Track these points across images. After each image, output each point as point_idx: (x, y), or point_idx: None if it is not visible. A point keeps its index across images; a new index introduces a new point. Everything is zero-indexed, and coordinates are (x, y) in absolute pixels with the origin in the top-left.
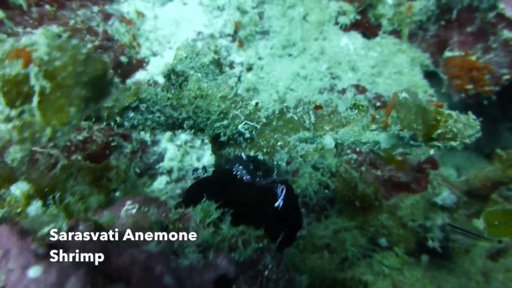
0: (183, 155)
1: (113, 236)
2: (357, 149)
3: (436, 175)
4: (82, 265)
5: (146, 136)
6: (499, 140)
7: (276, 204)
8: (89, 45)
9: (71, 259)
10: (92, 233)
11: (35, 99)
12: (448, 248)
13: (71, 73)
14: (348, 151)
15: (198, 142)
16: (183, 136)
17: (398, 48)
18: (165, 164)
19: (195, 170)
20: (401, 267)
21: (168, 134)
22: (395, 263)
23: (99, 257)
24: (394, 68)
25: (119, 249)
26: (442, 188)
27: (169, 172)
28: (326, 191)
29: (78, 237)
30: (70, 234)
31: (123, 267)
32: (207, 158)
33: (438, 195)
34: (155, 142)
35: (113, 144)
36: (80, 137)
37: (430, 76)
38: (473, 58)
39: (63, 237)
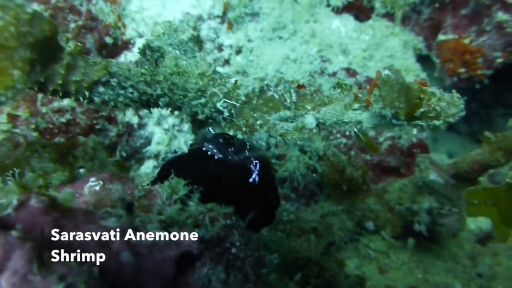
0: (171, 139)
1: (69, 211)
2: (346, 133)
3: (424, 158)
4: (29, 239)
5: (133, 119)
6: (492, 126)
7: (251, 179)
8: (72, 25)
9: (17, 233)
10: (44, 208)
11: None
12: (435, 232)
13: (14, 33)
14: (338, 135)
15: (186, 126)
16: (171, 120)
17: (391, 31)
18: (152, 148)
19: (166, 157)
20: (387, 251)
21: (155, 117)
22: (381, 247)
23: (49, 231)
24: (386, 51)
25: (74, 224)
26: (429, 171)
27: (157, 156)
28: (314, 175)
29: (28, 212)
30: (21, 208)
31: (76, 243)
32: (194, 138)
33: (425, 178)
34: (141, 126)
35: (97, 127)
36: (63, 120)
37: (423, 60)
38: (466, 41)
39: (12, 212)
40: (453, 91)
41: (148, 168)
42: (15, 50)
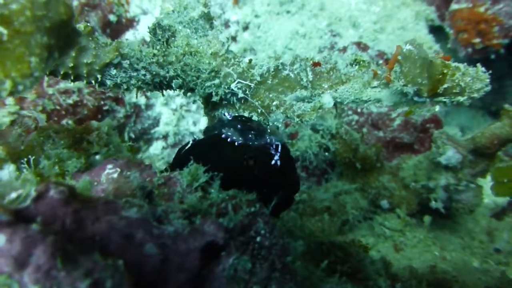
0: (179, 119)
1: (89, 201)
2: (358, 110)
3: (441, 133)
4: (51, 233)
5: (140, 100)
6: (505, 98)
7: (273, 162)
8: (75, 2)
9: (38, 227)
10: (64, 199)
11: None
12: (451, 208)
13: (30, 17)
14: (349, 112)
15: (194, 106)
16: (178, 100)
17: (402, 1)
18: (161, 128)
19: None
20: (402, 229)
21: (162, 98)
22: (396, 225)
23: (72, 224)
24: (397, 23)
25: (95, 215)
26: (446, 147)
27: (165, 137)
28: (327, 153)
29: (48, 203)
30: (40, 200)
31: (99, 235)
32: (204, 122)
33: (442, 154)
34: (149, 106)
35: (105, 108)
36: (70, 101)
37: (436, 31)
38: (481, 9)
39: (31, 204)
40: (478, 65)
41: (157, 149)
42: (32, 35)
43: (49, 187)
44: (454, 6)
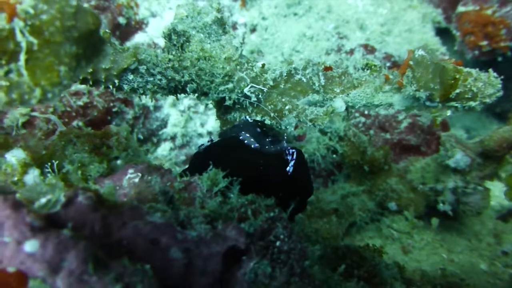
0: (187, 120)
1: (115, 207)
2: (365, 112)
3: (449, 136)
4: (82, 238)
5: (148, 101)
6: (511, 99)
7: (288, 168)
8: (85, 5)
9: (69, 233)
10: (92, 204)
11: (22, 57)
12: (458, 210)
13: (59, 28)
14: (357, 114)
15: (201, 108)
16: (186, 101)
17: (408, 4)
18: (169, 130)
19: (201, 145)
20: (410, 231)
21: (170, 99)
22: (404, 227)
23: (100, 229)
24: (404, 25)
25: (121, 220)
26: (455, 150)
27: (173, 138)
28: (334, 155)
29: (77, 209)
30: (69, 205)
31: (126, 240)
32: (211, 123)
33: (451, 157)
34: (157, 108)
35: (114, 109)
36: (80, 103)
37: (442, 33)
38: (489, 12)
39: (61, 209)
40: (490, 70)
41: (165, 150)
42: (61, 45)
43: (77, 192)
44: (461, 9)
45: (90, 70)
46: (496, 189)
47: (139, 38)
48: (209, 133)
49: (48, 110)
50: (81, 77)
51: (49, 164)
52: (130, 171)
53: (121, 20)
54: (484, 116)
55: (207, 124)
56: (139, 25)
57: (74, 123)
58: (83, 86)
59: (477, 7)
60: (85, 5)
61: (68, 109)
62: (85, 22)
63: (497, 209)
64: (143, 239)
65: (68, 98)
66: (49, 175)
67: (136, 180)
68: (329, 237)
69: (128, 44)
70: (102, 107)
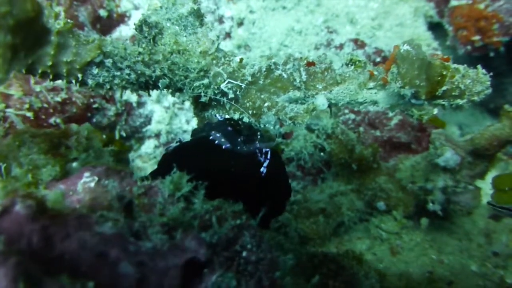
0: (172, 117)
1: (59, 216)
2: (355, 108)
3: (439, 134)
4: (14, 253)
5: (132, 97)
6: (504, 95)
7: (261, 169)
8: None
9: (1, 246)
10: (32, 214)
11: None
12: (449, 210)
13: None
14: (346, 110)
15: (187, 104)
16: (171, 98)
17: None
18: (153, 127)
19: (169, 147)
20: (399, 231)
21: (154, 95)
22: (393, 227)
23: (39, 242)
24: (395, 19)
25: (65, 231)
26: (445, 148)
27: (157, 135)
28: (322, 153)
29: (13, 219)
30: (4, 215)
31: (69, 254)
32: (197, 121)
33: (440, 156)
34: (140, 104)
35: (94, 106)
36: (58, 99)
37: (435, 27)
38: (481, 6)
39: None
40: (478, 66)
41: (149, 148)
42: None
43: (15, 201)
44: (453, 3)
45: (50, 63)
46: (487, 186)
47: (121, 31)
48: (180, 140)
49: (23, 106)
50: (40, 71)
51: None
52: (86, 174)
53: (102, 12)
54: (478, 112)
55: (193, 121)
56: (121, 18)
57: (52, 120)
58: (60, 81)
59: (470, 1)
60: None
61: (45, 105)
62: (22, 9)
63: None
64: (89, 252)
65: (45, 94)
66: None
67: (92, 184)
68: (316, 238)
69: (109, 38)
70: (81, 104)
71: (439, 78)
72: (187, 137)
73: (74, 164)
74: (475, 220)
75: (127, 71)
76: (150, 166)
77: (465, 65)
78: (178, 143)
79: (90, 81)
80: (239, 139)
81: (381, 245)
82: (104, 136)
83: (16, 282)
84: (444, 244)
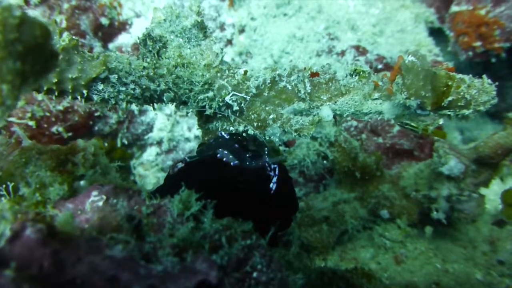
0: (173, 124)
1: (69, 239)
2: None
3: (443, 142)
4: (26, 280)
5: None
6: (505, 99)
7: (271, 185)
8: (66, 5)
9: (12, 273)
10: (42, 238)
11: None
12: (453, 218)
13: (0, 42)
14: (348, 118)
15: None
16: (172, 105)
17: (401, 3)
18: (155, 134)
19: (176, 166)
20: (403, 240)
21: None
22: (397, 236)
23: (50, 267)
24: (396, 26)
25: (76, 255)
26: (449, 157)
27: (159, 143)
28: (325, 161)
29: (23, 244)
30: (15, 240)
31: (80, 278)
32: (201, 132)
33: (444, 164)
34: (142, 112)
35: (96, 114)
36: (60, 107)
37: (435, 33)
38: (482, 12)
39: (5, 245)
40: (484, 76)
41: (151, 155)
42: (3, 61)
43: (25, 225)
44: (454, 8)
45: (55, 80)
46: (491, 192)
47: (122, 39)
48: (196, 137)
49: (25, 115)
50: (45, 88)
51: (4, 186)
52: (94, 193)
53: (104, 20)
54: (479, 117)
55: (194, 128)
56: (123, 26)
57: (54, 128)
58: None
59: (471, 7)
60: (65, 5)
61: (47, 114)
62: (31, 35)
63: (492, 213)
64: (101, 277)
65: (47, 103)
66: (2, 199)
67: (100, 203)
68: (319, 247)
69: (112, 46)
70: (83, 112)
71: (445, 88)
72: (187, 147)
73: (82, 183)
74: (479, 227)
75: (132, 86)
76: (151, 174)
77: (470, 75)
78: (184, 163)
79: (95, 97)
80: (247, 155)
81: (385, 253)
82: (106, 144)
83: None
84: (448, 252)
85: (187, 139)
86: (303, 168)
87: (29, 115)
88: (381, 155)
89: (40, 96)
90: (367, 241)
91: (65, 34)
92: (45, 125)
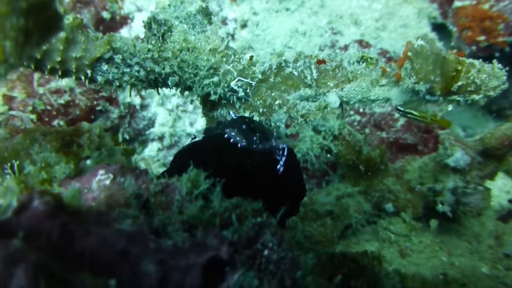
0: (175, 120)
1: (78, 213)
2: (361, 110)
3: (449, 134)
4: (34, 250)
5: (135, 100)
6: (507, 96)
7: (278, 167)
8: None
9: (20, 243)
10: (50, 210)
11: None
12: (458, 211)
13: None
14: (351, 112)
15: (190, 106)
16: (174, 100)
17: None
18: (156, 129)
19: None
20: (408, 234)
21: (158, 98)
22: (402, 230)
23: (59, 238)
24: (399, 20)
25: (85, 228)
26: (455, 148)
27: (161, 138)
28: (329, 155)
29: (31, 215)
30: (22, 211)
31: (89, 250)
32: (201, 123)
33: (450, 156)
34: (144, 106)
35: (98, 108)
36: (61, 101)
37: (438, 28)
38: (486, 6)
39: (12, 216)
40: (494, 61)
41: (153, 150)
42: (6, 17)
43: (33, 197)
44: (457, 3)
45: (59, 59)
46: (495, 188)
47: (124, 33)
48: (198, 132)
49: (26, 108)
50: (49, 67)
51: (9, 164)
52: (101, 172)
53: (105, 14)
54: (481, 114)
55: (197, 123)
56: (124, 20)
57: (55, 122)
58: (64, 83)
59: (474, 1)
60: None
61: (49, 107)
62: None
63: (496, 209)
64: (110, 250)
65: (48, 96)
66: (8, 177)
67: (107, 182)
68: (323, 240)
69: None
70: (85, 106)
71: (454, 73)
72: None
73: (88, 162)
74: (483, 222)
75: (136, 68)
76: (154, 169)
77: (480, 60)
78: (192, 141)
79: (99, 78)
80: (254, 137)
81: (390, 247)
82: None
83: (37, 279)
84: (454, 246)
85: (189, 135)
86: (306, 163)
87: (30, 108)
88: (385, 149)
89: (41, 90)
90: (372, 235)
91: (70, 14)
92: (46, 119)
